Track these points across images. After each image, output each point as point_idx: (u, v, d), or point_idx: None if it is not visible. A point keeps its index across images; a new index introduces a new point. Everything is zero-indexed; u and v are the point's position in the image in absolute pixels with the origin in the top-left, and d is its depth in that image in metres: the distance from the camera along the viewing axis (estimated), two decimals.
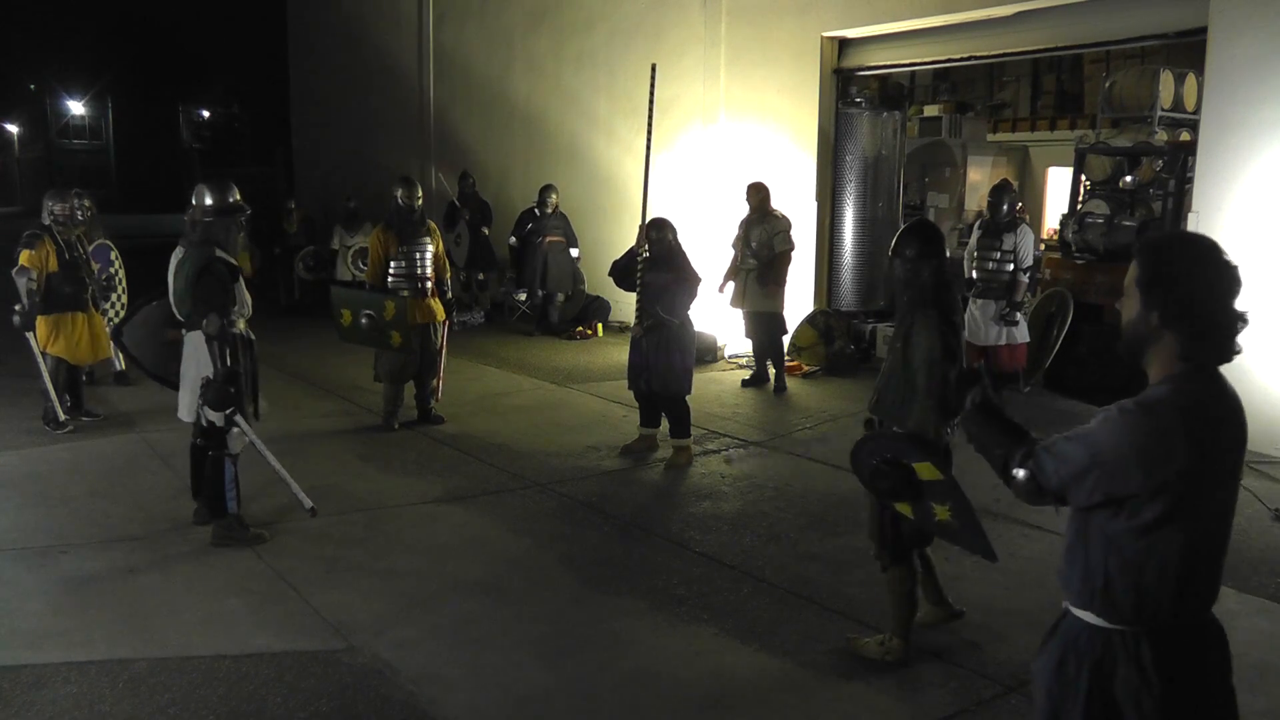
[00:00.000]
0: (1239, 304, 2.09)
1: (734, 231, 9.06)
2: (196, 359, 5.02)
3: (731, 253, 8.90)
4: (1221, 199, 6.86)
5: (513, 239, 11.94)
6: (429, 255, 7.42)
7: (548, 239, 11.56)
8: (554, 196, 11.65)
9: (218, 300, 4.92)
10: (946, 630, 4.25)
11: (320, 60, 18.97)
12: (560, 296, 11.88)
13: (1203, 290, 2.06)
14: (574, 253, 11.74)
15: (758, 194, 8.79)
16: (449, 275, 7.78)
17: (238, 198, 5.17)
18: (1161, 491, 2.03)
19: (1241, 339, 2.11)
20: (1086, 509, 2.14)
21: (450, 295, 7.73)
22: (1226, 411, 2.10)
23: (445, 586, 4.70)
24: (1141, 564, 2.08)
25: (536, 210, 11.68)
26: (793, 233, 8.80)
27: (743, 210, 8.96)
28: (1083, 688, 2.17)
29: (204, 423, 5.05)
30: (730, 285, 8.85)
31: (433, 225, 7.64)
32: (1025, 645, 4.09)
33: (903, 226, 4.21)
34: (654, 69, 6.86)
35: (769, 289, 8.63)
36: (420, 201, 7.52)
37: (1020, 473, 2.20)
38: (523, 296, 12.67)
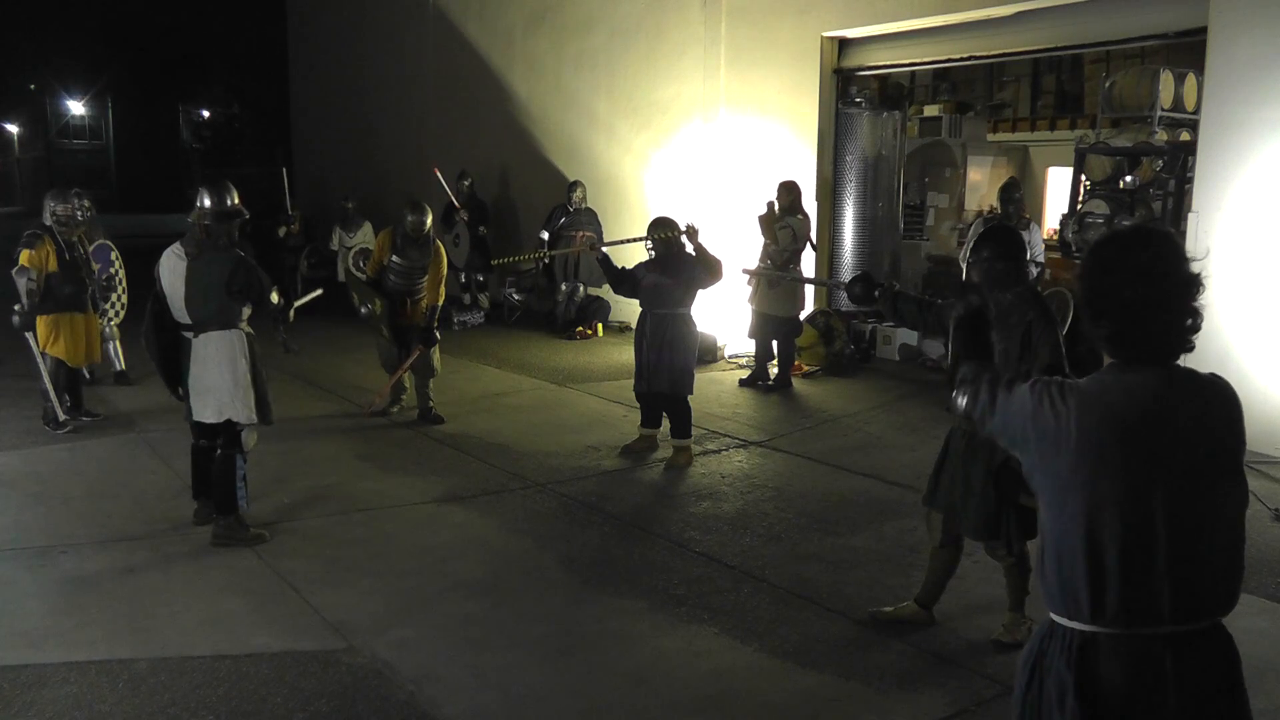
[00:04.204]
0: (1179, 303, 2.01)
1: (732, 232, 9.09)
2: (216, 360, 5.02)
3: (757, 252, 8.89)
4: (1221, 199, 6.86)
5: (544, 234, 11.63)
6: (416, 275, 7.52)
7: (581, 234, 11.51)
8: (578, 192, 11.57)
9: (263, 290, 5.16)
10: (946, 630, 4.25)
11: (320, 60, 18.97)
12: (581, 291, 11.82)
13: (1118, 290, 2.02)
14: (603, 249, 11.68)
15: (788, 193, 8.68)
16: (440, 299, 7.65)
17: (236, 201, 5.18)
18: (1051, 467, 2.04)
19: (1196, 337, 2.04)
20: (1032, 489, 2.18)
21: (434, 325, 7.61)
22: (1169, 412, 2.01)
23: (445, 586, 4.70)
24: (1059, 549, 2.05)
25: (569, 206, 11.56)
26: (812, 233, 8.81)
27: (738, 211, 8.96)
28: (1025, 676, 2.16)
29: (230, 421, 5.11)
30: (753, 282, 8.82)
31: (439, 249, 7.59)
32: (1026, 645, 4.10)
33: (985, 230, 4.28)
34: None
35: (778, 290, 8.63)
36: (428, 228, 7.49)
37: (961, 400, 2.28)
38: (519, 296, 12.70)
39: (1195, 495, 2.01)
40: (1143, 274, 2.01)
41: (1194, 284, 2.02)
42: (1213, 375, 2.10)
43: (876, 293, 4.55)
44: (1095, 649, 2.03)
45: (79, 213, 7.44)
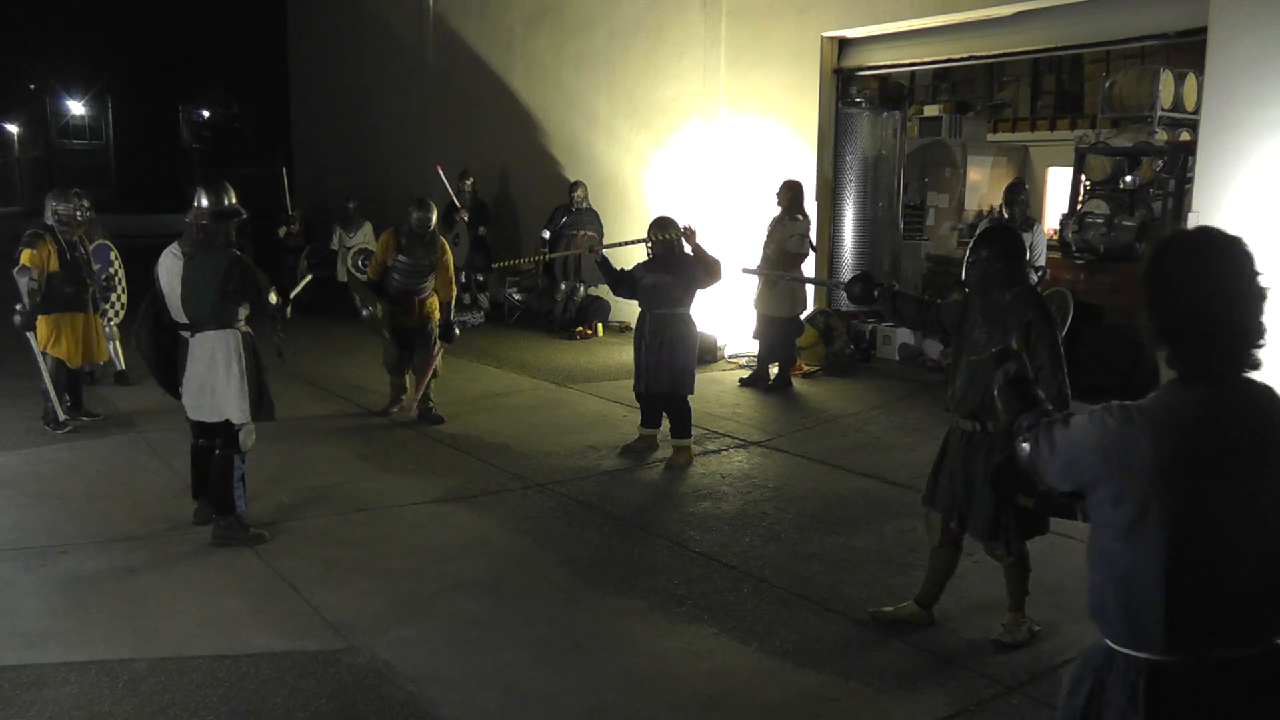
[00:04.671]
0: (1247, 316, 1.91)
1: (732, 232, 9.09)
2: (211, 359, 5.02)
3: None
4: (1221, 199, 6.85)
5: (545, 233, 11.76)
6: (422, 273, 7.51)
7: (582, 234, 11.58)
8: (578, 192, 11.62)
9: (259, 290, 5.15)
10: (946, 630, 4.25)
11: (320, 60, 18.97)
12: (581, 291, 11.85)
13: (1182, 304, 1.92)
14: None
15: (789, 192, 8.71)
16: (454, 295, 7.79)
17: (234, 201, 5.18)
18: (1127, 497, 1.93)
19: (1260, 353, 1.93)
20: (1094, 519, 2.05)
21: (452, 321, 7.72)
22: (1240, 427, 1.93)
23: (445, 586, 4.70)
24: (1128, 579, 1.95)
25: (570, 206, 11.60)
26: (812, 234, 8.83)
27: (738, 211, 8.95)
28: (1079, 707, 2.05)
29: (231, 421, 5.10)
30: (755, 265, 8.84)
31: (444, 245, 7.63)
32: (1025, 645, 4.09)
33: (984, 229, 4.30)
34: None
35: (779, 292, 8.65)
36: (434, 225, 7.52)
37: (1024, 445, 2.17)
38: (519, 296, 12.74)
39: (1264, 511, 1.93)
40: (1208, 285, 1.91)
41: (1263, 294, 1.92)
42: (1265, 385, 1.99)
43: (876, 293, 4.54)
44: (1166, 677, 1.94)
45: (79, 212, 7.43)
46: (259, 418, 5.20)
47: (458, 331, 7.77)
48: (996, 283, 3.99)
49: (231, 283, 5.01)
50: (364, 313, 7.64)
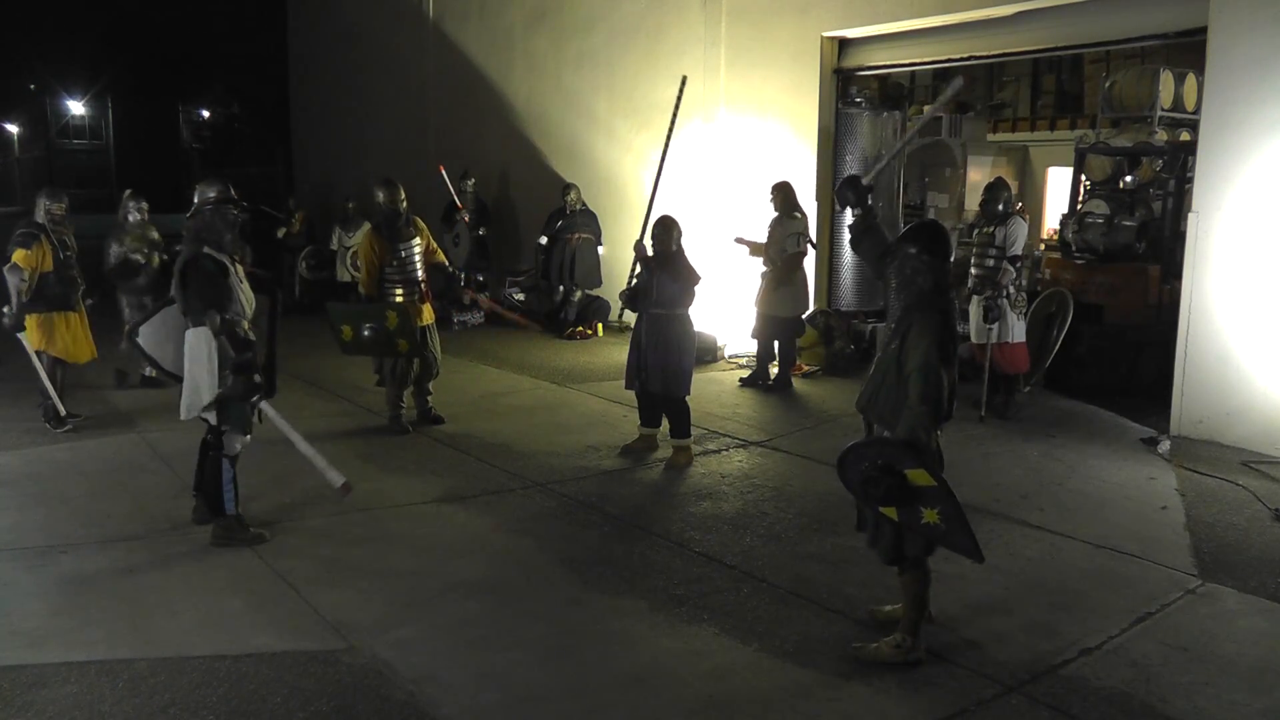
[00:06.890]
0: None
1: (734, 231, 9.10)
2: (194, 356, 5.01)
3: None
4: (1221, 199, 6.86)
5: (543, 238, 11.93)
6: (418, 255, 7.40)
7: (575, 236, 11.61)
8: (571, 195, 11.72)
9: (210, 295, 4.91)
10: (946, 630, 4.25)
11: (320, 60, 18.97)
12: (579, 293, 11.87)
13: None
14: (600, 250, 11.76)
15: (780, 193, 8.78)
16: (443, 259, 7.68)
17: (222, 193, 5.11)
18: None
19: None
20: None
21: (450, 285, 7.74)
22: None
23: (445, 586, 4.70)
24: None
25: (565, 209, 11.73)
26: (810, 232, 8.86)
27: (738, 211, 8.97)
28: None
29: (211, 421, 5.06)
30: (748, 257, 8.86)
31: (418, 222, 7.51)
32: (1025, 645, 4.10)
33: (907, 226, 4.24)
34: (683, 81, 7.09)
35: (781, 292, 8.67)
36: (404, 203, 7.39)
37: None
38: (520, 296, 12.78)
39: None
40: None
41: None
42: None
43: (864, 206, 4.39)
44: None
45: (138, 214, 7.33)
46: (223, 421, 5.08)
47: (457, 286, 7.71)
48: (917, 278, 3.90)
49: (185, 281, 4.93)
50: (365, 333, 7.00)
